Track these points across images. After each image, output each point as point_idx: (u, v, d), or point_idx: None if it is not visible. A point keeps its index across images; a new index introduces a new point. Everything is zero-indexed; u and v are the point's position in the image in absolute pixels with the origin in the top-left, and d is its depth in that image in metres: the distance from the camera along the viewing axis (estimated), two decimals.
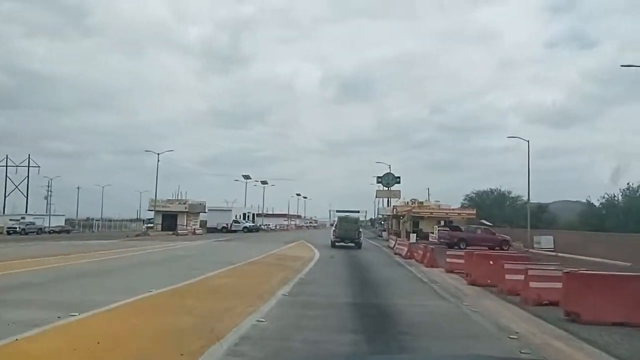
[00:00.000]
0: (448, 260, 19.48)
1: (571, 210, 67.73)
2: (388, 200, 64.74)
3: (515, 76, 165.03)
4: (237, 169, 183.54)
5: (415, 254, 25.18)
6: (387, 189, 64.72)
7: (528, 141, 43.63)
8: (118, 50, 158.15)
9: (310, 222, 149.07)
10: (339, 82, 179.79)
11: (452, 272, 17.71)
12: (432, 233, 49.72)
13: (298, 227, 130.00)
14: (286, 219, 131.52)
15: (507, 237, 40.30)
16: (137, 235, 54.42)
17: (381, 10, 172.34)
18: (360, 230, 38.35)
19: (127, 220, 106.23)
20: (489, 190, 68.38)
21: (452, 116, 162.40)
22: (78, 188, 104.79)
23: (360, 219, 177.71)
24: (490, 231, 40.86)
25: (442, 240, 40.09)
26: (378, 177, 65.47)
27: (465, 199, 69.50)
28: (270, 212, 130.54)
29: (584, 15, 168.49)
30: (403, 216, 52.40)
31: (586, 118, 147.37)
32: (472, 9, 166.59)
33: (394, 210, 54.33)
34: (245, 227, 68.12)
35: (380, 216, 65.87)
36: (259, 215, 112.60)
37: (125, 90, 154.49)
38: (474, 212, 52.69)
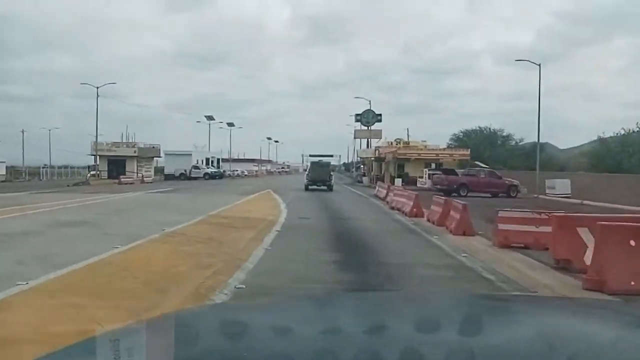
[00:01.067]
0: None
1: (562, 153, 61.59)
2: (368, 141, 57.04)
3: (485, 17, 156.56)
4: (205, 113, 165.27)
5: (423, 212, 17.52)
6: (366, 128, 56.92)
7: (539, 64, 35.96)
8: None
9: (282, 168, 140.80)
10: (309, 22, 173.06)
11: None
12: (421, 177, 42.49)
13: (269, 173, 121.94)
14: (256, 164, 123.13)
15: (515, 182, 33.26)
16: (75, 184, 45.88)
17: None
18: (332, 174, 39.75)
19: (81, 168, 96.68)
20: (477, 128, 61.11)
21: (422, 58, 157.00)
22: (22, 132, 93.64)
23: (334, 163, 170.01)
24: (495, 174, 33.67)
25: (437, 186, 32.80)
26: (357, 115, 57.49)
27: (452, 139, 62.21)
28: (240, 157, 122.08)
29: None
30: (385, 158, 44.89)
31: (555, 57, 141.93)
32: None
33: (376, 151, 46.69)
34: (206, 174, 59.80)
35: (359, 159, 58.53)
36: (225, 160, 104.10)
37: (82, 28, 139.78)
38: (468, 152, 45.47)
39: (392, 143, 47.20)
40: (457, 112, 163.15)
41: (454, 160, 46.47)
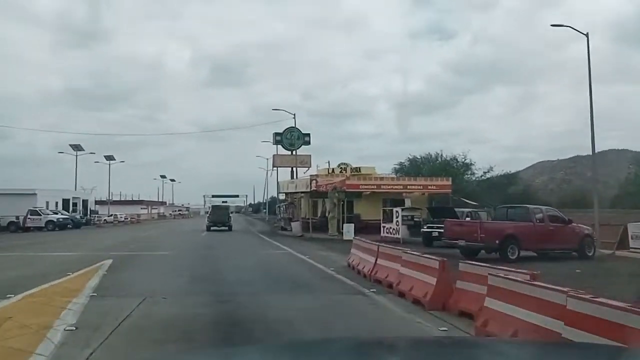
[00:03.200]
0: None
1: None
2: (293, 171, 40.28)
3: (380, 64, 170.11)
4: (100, 154, 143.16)
5: None
6: (290, 152, 40.25)
7: (587, 34, 21.81)
8: None
9: (179, 211, 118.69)
10: (210, 64, 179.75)
11: None
12: (385, 223, 26.37)
13: (161, 217, 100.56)
14: (145, 206, 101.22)
15: (587, 229, 18.11)
16: None
17: None
18: (230, 215, 41.38)
19: None
20: (428, 155, 46.68)
21: (322, 102, 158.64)
22: None
23: (240, 204, 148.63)
24: (559, 216, 17.95)
25: (455, 241, 16.78)
26: (276, 136, 40.72)
27: (396, 169, 47.21)
28: (127, 199, 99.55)
29: (442, 8, 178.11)
30: (328, 192, 28.25)
31: (444, 105, 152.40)
32: None
33: (311, 183, 29.77)
34: (50, 222, 39.34)
35: (283, 196, 41.55)
36: (100, 202, 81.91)
37: None
38: (449, 183, 30.06)
39: (332, 171, 31.04)
40: (357, 155, 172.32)
41: (424, 194, 31.09)
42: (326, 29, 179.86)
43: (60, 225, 39.88)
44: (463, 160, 43.40)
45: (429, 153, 45.73)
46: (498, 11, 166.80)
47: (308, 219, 33.35)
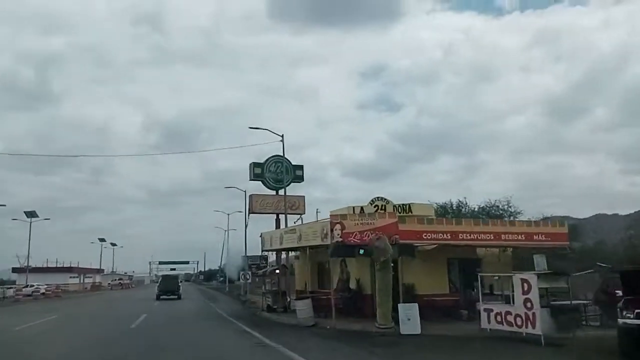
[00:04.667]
0: None
1: None
2: (278, 221, 27.13)
3: (331, 133, 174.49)
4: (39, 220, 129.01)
5: None
6: (276, 192, 27.44)
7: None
8: None
9: (119, 280, 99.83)
10: (162, 129, 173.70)
11: None
12: (491, 304, 13.73)
13: (96, 287, 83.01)
14: (75, 274, 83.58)
15: None
16: None
17: (203, 58, 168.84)
18: (180, 285, 40.97)
19: None
20: (458, 202, 34.08)
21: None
22: None
23: (189, 272, 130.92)
24: None
25: None
26: (255, 166, 27.97)
27: None
28: (53, 266, 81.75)
29: (389, 81, 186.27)
30: (372, 246, 15.09)
31: (392, 173, 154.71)
32: (293, 68, 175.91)
33: (333, 231, 16.37)
34: None
35: (271, 255, 28.76)
36: (17, 270, 65.19)
37: None
38: (565, 231, 17.73)
39: (362, 210, 17.95)
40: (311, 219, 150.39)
41: (505, 251, 18.75)
42: (279, 97, 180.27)
43: None
44: (507, 206, 31.38)
45: (460, 200, 33.32)
46: (441, 85, 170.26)
47: (310, 293, 20.20)
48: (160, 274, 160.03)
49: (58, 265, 79.98)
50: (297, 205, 27.99)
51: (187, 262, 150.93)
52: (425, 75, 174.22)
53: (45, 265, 79.92)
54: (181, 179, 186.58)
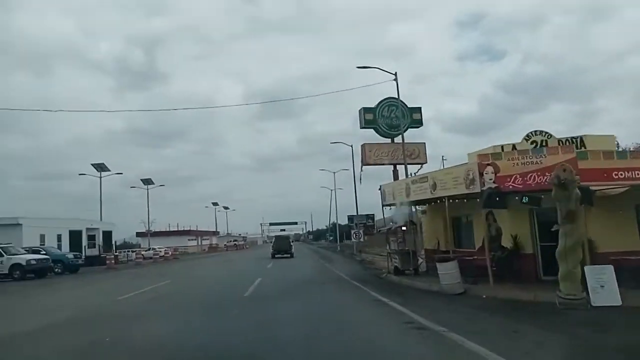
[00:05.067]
0: None
1: None
2: (396, 172, 23.78)
3: (430, 89, 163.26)
4: (160, 189, 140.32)
5: None
6: (391, 140, 24.01)
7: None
8: (23, 69, 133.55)
9: (234, 241, 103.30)
10: (261, 98, 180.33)
11: None
12: None
13: (212, 248, 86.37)
14: (193, 237, 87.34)
15: None
16: None
17: (296, 25, 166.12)
18: (292, 244, 43.65)
19: None
20: None
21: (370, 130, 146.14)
22: None
23: (298, 232, 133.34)
24: None
25: None
26: (365, 112, 24.63)
27: None
28: (171, 229, 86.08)
29: (489, 29, 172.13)
30: (554, 187, 11.20)
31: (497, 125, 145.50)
32: (385, 26, 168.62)
33: (483, 174, 12.76)
34: (16, 266, 24.58)
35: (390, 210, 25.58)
36: (140, 234, 68.64)
37: (33, 111, 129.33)
38: None
39: (514, 148, 14.10)
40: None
41: None
42: (374, 57, 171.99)
43: (36, 271, 25.21)
44: None
45: None
46: (548, 28, 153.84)
47: (442, 252, 16.87)
48: (272, 234, 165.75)
49: (178, 229, 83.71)
50: (416, 154, 24.39)
51: (296, 223, 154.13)
52: (530, 18, 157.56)
53: (166, 230, 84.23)
54: (283, 144, 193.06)
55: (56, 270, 27.88)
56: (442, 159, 36.70)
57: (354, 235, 47.06)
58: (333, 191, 70.13)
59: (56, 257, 28.06)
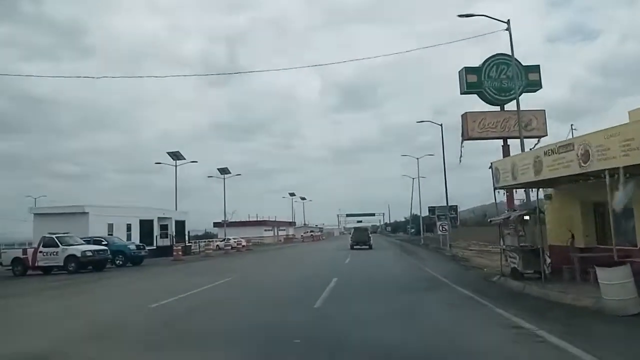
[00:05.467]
0: None
1: None
2: (506, 147, 18.94)
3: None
4: (242, 181, 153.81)
5: None
6: (500, 107, 19.08)
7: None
8: (117, 69, 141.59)
9: (310, 232, 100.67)
10: (339, 89, 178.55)
11: None
12: None
13: (288, 239, 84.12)
14: (269, 228, 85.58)
15: None
16: None
17: (374, 14, 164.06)
18: (370, 236, 43.66)
19: None
20: None
21: (455, 117, 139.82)
22: None
23: (375, 224, 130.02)
24: None
25: None
26: (467, 73, 19.80)
27: None
28: (248, 220, 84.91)
29: (583, 6, 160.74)
30: None
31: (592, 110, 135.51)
32: (468, 8, 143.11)
33: None
34: (72, 257, 22.39)
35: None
36: (217, 224, 67.64)
37: (126, 109, 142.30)
38: None
39: None
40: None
41: None
42: (456, 43, 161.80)
43: (94, 263, 23.01)
44: None
45: None
46: None
47: (581, 250, 12.14)
48: (348, 226, 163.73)
49: (257, 219, 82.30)
50: (533, 125, 19.25)
51: (373, 214, 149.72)
52: None
53: (244, 220, 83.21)
54: (361, 135, 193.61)
55: (117, 262, 25.74)
56: (572, 129, 30.91)
57: (440, 227, 42.00)
58: (415, 179, 65.21)
59: (117, 248, 25.90)
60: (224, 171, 65.80)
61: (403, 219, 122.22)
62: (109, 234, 32.52)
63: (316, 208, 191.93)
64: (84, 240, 25.40)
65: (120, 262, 25.75)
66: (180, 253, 31.54)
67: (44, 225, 30.72)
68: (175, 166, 53.48)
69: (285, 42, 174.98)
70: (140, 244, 27.27)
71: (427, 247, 44.88)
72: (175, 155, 53.67)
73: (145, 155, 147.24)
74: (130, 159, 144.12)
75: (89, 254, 22.29)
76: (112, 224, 33.15)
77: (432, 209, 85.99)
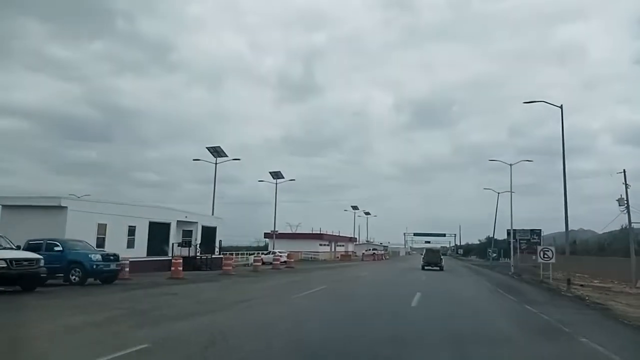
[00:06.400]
0: None
1: None
2: None
3: (601, 95, 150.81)
4: (311, 195, 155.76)
5: None
6: None
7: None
8: (199, 84, 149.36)
9: (373, 250, 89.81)
10: (412, 107, 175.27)
11: None
12: None
13: (345, 257, 74.26)
14: (325, 242, 76.09)
15: None
16: None
17: (452, 32, 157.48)
18: (441, 258, 43.86)
19: None
20: None
21: (533, 139, 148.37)
22: None
23: (445, 245, 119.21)
24: None
25: None
26: None
27: None
28: (301, 232, 76.02)
29: None
30: None
31: None
32: (550, 27, 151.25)
33: None
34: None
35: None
36: (267, 235, 59.73)
37: (206, 122, 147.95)
38: None
39: None
40: (576, 194, 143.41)
41: None
42: (536, 62, 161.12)
43: (16, 278, 14.87)
44: None
45: None
46: None
47: None
48: (415, 246, 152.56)
49: (311, 232, 73.33)
50: None
51: (444, 235, 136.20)
52: None
53: (297, 232, 74.53)
54: (433, 154, 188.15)
55: (73, 277, 17.63)
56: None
57: (542, 254, 31.15)
58: (502, 194, 56.36)
59: (74, 258, 17.80)
60: (276, 175, 57.86)
61: (478, 242, 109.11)
62: (99, 237, 24.84)
63: (382, 225, 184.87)
64: (30, 243, 17.52)
65: (77, 278, 17.59)
66: (179, 268, 23.01)
67: (14, 218, 23.51)
68: (216, 163, 46.35)
69: (361, 59, 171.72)
70: (113, 254, 18.99)
71: (520, 277, 34.29)
72: (216, 152, 46.47)
73: (220, 167, 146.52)
74: (206, 170, 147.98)
75: (3, 265, 14.17)
76: (104, 225, 25.40)
77: (512, 232, 73.82)
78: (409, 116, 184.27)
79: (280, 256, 41.41)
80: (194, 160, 50.39)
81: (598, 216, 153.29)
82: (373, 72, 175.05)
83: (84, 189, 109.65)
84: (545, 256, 29.98)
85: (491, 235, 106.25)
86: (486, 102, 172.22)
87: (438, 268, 40.36)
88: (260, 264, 34.16)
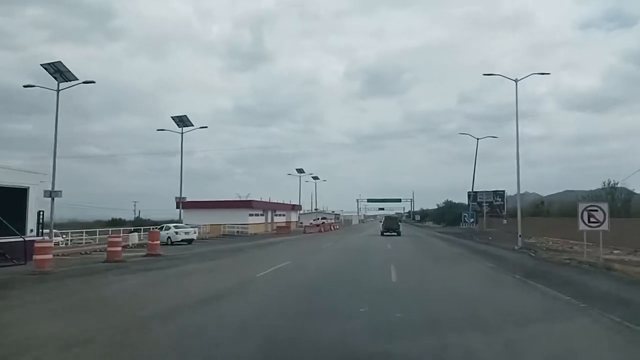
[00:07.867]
0: None
1: None
2: None
3: (547, 61, 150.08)
4: (263, 166, 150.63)
5: None
6: None
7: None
8: (142, 52, 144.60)
9: (322, 218, 77.96)
10: (364, 75, 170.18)
11: None
12: None
13: (282, 229, 61.98)
14: (257, 211, 63.47)
15: None
16: None
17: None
18: (399, 224, 48.49)
19: None
20: None
21: (481, 105, 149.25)
22: None
23: (399, 212, 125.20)
24: None
25: None
26: None
27: None
28: (222, 199, 62.76)
29: None
30: None
31: (625, 100, 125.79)
32: None
33: None
34: None
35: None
36: (188, 205, 46.85)
37: (150, 92, 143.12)
38: None
39: None
40: (522, 158, 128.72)
41: None
42: (486, 29, 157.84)
43: None
44: None
45: None
46: None
47: None
48: (369, 214, 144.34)
49: (235, 199, 60.68)
50: None
51: (399, 200, 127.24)
52: None
53: (218, 200, 61.69)
54: (385, 122, 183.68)
55: None
56: None
57: (586, 216, 19.80)
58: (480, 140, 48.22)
59: None
60: (181, 121, 43.10)
61: (436, 206, 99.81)
62: None
63: (334, 194, 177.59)
64: None
65: None
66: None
67: None
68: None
69: (311, 25, 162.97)
70: None
71: (505, 247, 23.76)
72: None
73: (167, 139, 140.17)
74: (150, 142, 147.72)
75: None
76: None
77: (472, 195, 65.05)
78: (361, 84, 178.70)
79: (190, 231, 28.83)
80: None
81: (541, 179, 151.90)
82: (325, 39, 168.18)
83: (21, 165, 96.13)
84: (593, 220, 18.61)
85: (450, 199, 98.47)
86: (437, 69, 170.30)
87: (396, 234, 43.25)
88: (118, 248, 20.78)
